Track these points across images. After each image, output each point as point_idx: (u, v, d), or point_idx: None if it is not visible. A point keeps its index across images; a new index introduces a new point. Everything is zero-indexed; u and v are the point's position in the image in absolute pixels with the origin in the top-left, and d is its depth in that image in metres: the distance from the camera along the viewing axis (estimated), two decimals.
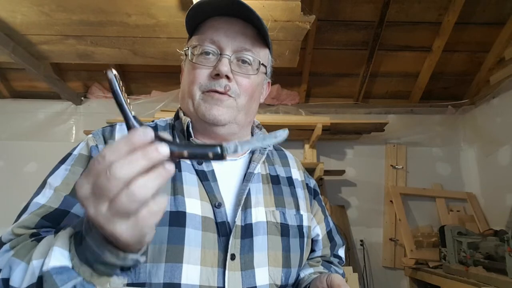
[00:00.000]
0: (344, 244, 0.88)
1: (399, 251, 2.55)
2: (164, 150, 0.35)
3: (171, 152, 0.36)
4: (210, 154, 0.39)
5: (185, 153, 0.38)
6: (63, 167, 0.64)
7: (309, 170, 2.36)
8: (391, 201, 2.61)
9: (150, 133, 0.36)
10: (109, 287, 0.42)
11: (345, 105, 2.89)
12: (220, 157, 0.39)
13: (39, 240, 0.49)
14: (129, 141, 0.35)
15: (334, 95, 2.92)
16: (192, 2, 1.60)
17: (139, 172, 0.34)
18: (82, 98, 2.86)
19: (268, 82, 0.80)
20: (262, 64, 0.70)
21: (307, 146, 2.67)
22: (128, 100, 0.39)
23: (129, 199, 0.34)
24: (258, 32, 0.70)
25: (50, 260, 0.41)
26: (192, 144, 0.40)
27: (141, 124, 0.39)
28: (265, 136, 0.43)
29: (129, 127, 0.39)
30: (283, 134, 0.44)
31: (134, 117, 0.38)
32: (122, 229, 0.36)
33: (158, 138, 0.37)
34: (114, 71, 0.37)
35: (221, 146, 0.39)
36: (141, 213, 0.35)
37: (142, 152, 0.34)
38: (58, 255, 0.42)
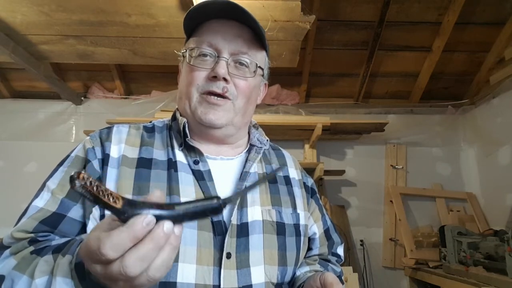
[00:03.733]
0: (343, 243, 0.88)
1: (399, 251, 2.55)
2: (169, 228, 0.36)
3: (174, 221, 0.37)
4: (209, 213, 0.40)
5: (186, 219, 0.39)
6: (60, 169, 0.65)
7: (309, 170, 2.36)
8: (391, 201, 2.61)
9: (150, 221, 0.36)
10: None
11: (345, 105, 2.89)
12: (219, 211, 0.40)
13: (37, 251, 0.51)
14: (134, 237, 0.35)
15: (334, 95, 2.92)
16: (192, 3, 1.60)
17: (152, 260, 0.36)
18: (82, 98, 2.86)
19: (265, 84, 0.81)
20: (259, 66, 0.71)
21: (307, 146, 2.67)
22: (107, 191, 0.36)
23: (148, 280, 0.36)
24: (255, 34, 0.70)
25: None
26: (189, 203, 0.40)
27: (132, 206, 0.37)
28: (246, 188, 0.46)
29: (123, 220, 0.37)
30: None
31: (124, 204, 0.36)
32: None
33: (157, 206, 0.37)
34: (81, 177, 0.34)
35: (218, 202, 0.40)
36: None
37: (152, 246, 0.35)
38: (62, 285, 0.44)
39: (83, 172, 0.34)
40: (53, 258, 0.49)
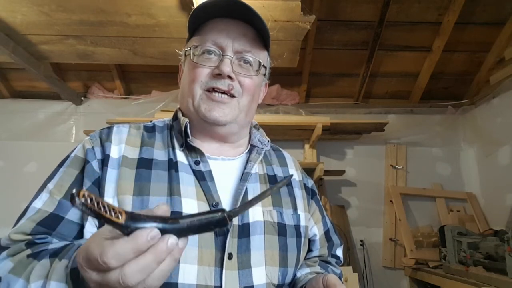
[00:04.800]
0: (342, 244, 0.88)
1: (399, 251, 2.55)
2: (173, 243, 0.36)
3: (178, 235, 0.37)
4: (213, 226, 0.39)
5: (190, 233, 0.39)
6: (60, 170, 0.65)
7: (309, 170, 2.36)
8: (391, 201, 2.61)
9: (155, 235, 0.36)
10: None
11: (345, 105, 2.89)
12: (225, 224, 0.40)
13: (34, 255, 0.51)
14: (137, 250, 0.35)
15: (334, 95, 2.92)
16: (192, 3, 1.60)
17: (152, 272, 0.36)
18: (82, 98, 2.86)
19: (266, 84, 0.81)
20: (263, 65, 0.71)
21: (307, 146, 2.67)
22: (109, 207, 0.35)
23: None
24: (258, 34, 0.70)
25: None
26: (193, 217, 0.39)
27: (135, 220, 0.37)
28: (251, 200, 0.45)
29: (126, 234, 0.37)
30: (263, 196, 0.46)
31: (128, 218, 0.36)
32: None
33: (162, 219, 0.37)
34: (82, 194, 0.34)
35: (222, 215, 0.39)
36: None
37: (153, 258, 0.35)
38: None
39: (83, 189, 0.34)
40: (49, 262, 0.49)
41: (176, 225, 0.38)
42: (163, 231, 0.37)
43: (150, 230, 0.35)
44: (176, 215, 0.43)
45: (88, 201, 0.34)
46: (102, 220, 0.35)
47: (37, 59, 2.24)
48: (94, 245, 0.36)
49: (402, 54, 2.64)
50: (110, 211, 0.35)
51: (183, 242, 0.38)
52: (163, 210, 0.39)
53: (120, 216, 0.36)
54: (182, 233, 0.38)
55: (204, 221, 0.39)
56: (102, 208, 0.35)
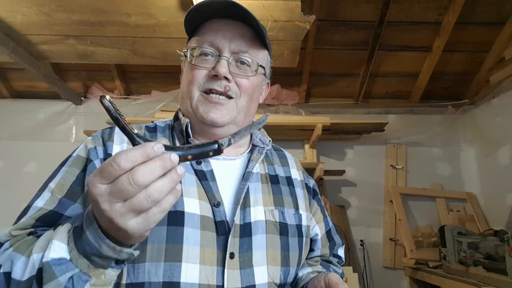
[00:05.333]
0: (344, 244, 0.88)
1: (399, 251, 2.55)
2: (175, 158, 0.40)
3: (179, 158, 0.41)
4: (211, 153, 0.45)
5: (190, 156, 0.43)
6: (62, 169, 0.65)
7: (309, 170, 2.36)
8: (391, 201, 2.61)
9: (160, 147, 0.40)
10: (103, 278, 0.46)
11: (345, 105, 2.89)
12: (219, 152, 0.46)
13: (38, 237, 0.52)
14: (144, 153, 0.39)
15: (334, 95, 2.92)
16: (192, 2, 1.60)
17: (156, 178, 0.39)
18: (82, 98, 2.86)
19: (268, 83, 0.81)
20: (261, 65, 0.71)
21: (307, 146, 2.67)
22: (126, 119, 0.42)
23: (147, 200, 0.39)
24: (256, 33, 0.70)
25: (49, 252, 0.45)
26: (192, 146, 0.45)
27: (145, 140, 0.43)
28: (251, 124, 0.54)
29: (135, 145, 0.42)
30: (265, 119, 0.56)
31: (137, 135, 0.43)
32: (133, 224, 0.40)
33: (165, 147, 0.41)
34: (108, 97, 0.40)
35: (217, 143, 0.45)
36: (152, 210, 0.40)
37: (159, 163, 0.39)
38: (57, 247, 0.45)
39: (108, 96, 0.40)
40: (52, 232, 0.50)
41: (178, 148, 0.43)
42: (167, 149, 0.41)
43: (156, 142, 0.40)
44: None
45: (114, 104, 0.41)
46: (121, 125, 0.41)
47: (37, 59, 2.24)
48: (107, 160, 0.40)
49: (402, 54, 2.64)
50: (126, 121, 0.42)
51: (181, 169, 0.41)
52: (165, 141, 0.43)
53: (133, 130, 0.42)
54: (182, 155, 0.42)
55: (201, 147, 0.45)
56: (122, 116, 0.42)
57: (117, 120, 0.41)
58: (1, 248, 0.53)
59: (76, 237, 0.45)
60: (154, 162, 0.39)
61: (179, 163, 0.41)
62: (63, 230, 0.47)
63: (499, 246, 1.79)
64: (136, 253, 0.46)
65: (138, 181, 0.38)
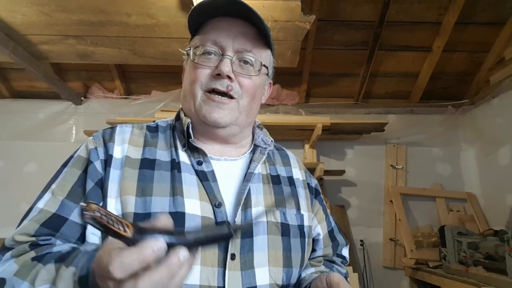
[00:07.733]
0: (348, 244, 0.88)
1: (399, 251, 2.55)
2: (185, 256, 0.37)
3: (188, 249, 0.38)
4: (219, 240, 0.41)
5: (196, 246, 0.39)
6: (63, 170, 0.65)
7: (309, 170, 2.33)
8: (391, 201, 2.61)
9: (160, 246, 0.36)
10: None
11: (345, 105, 2.89)
12: (230, 238, 0.42)
13: (39, 258, 0.51)
14: (144, 261, 0.35)
15: (334, 95, 2.92)
16: (192, 3, 1.60)
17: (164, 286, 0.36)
18: (82, 98, 2.86)
19: (270, 83, 0.80)
20: (264, 65, 0.70)
21: (307, 146, 2.67)
22: (117, 220, 0.37)
23: None
24: (259, 33, 0.70)
25: None
26: (200, 232, 0.41)
27: (142, 233, 0.37)
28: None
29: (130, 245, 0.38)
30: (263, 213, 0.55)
31: (133, 236, 0.37)
32: None
33: (165, 233, 0.37)
34: (91, 207, 0.35)
35: (229, 228, 0.41)
36: None
37: (165, 271, 0.36)
38: None
39: (92, 202, 0.35)
40: (55, 268, 0.49)
41: (182, 238, 0.38)
42: (171, 246, 0.37)
43: (155, 241, 0.36)
44: (181, 229, 0.44)
45: (97, 215, 0.34)
46: (110, 234, 0.35)
47: (37, 59, 2.24)
48: (104, 254, 0.36)
49: (402, 54, 2.64)
50: (117, 224, 0.36)
51: (193, 255, 0.39)
52: (164, 221, 0.39)
53: (127, 230, 0.36)
54: (189, 247, 0.38)
55: (210, 235, 0.40)
56: (110, 222, 0.35)
57: (106, 230, 0.35)
58: (4, 258, 0.54)
59: None
60: (162, 272, 0.35)
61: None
62: (68, 275, 0.46)
63: (499, 246, 1.78)
64: None
65: None
